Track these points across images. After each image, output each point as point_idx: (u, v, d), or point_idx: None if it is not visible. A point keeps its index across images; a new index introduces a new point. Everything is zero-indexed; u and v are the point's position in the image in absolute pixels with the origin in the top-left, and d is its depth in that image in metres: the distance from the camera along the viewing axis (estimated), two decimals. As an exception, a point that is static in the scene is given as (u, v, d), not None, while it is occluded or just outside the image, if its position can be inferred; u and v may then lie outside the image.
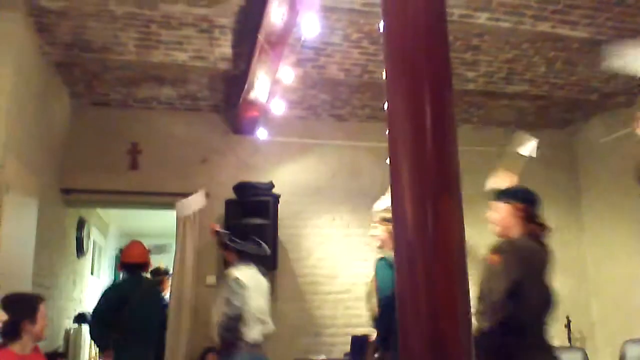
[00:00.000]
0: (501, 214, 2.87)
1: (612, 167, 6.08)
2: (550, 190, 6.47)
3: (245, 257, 4.02)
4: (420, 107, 1.95)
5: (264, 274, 4.10)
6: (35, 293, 3.29)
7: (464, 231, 1.90)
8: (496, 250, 2.75)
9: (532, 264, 2.71)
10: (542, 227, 2.87)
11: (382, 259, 3.47)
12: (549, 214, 6.50)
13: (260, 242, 4.19)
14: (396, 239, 1.95)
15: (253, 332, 3.82)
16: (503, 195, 2.94)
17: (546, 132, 6.53)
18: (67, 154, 5.29)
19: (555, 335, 5.93)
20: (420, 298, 1.79)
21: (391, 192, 1.92)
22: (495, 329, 2.51)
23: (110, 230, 8.78)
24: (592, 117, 6.23)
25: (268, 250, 4.32)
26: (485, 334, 2.50)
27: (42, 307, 2.90)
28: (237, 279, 3.83)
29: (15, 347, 2.73)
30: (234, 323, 3.70)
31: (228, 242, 4.03)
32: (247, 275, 3.92)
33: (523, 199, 2.89)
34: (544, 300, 2.71)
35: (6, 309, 2.81)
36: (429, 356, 1.73)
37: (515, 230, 2.80)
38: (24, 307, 2.84)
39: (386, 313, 3.14)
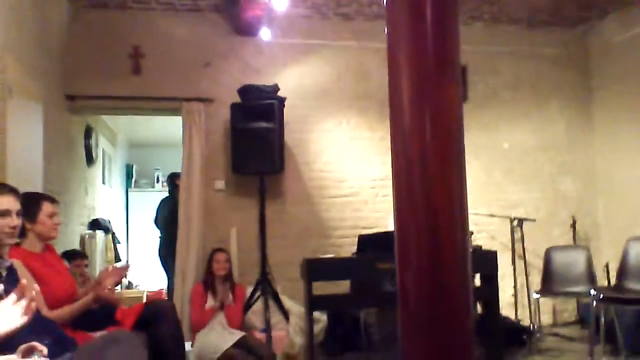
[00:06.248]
0: None
1: (626, 67, 5.90)
2: (561, 90, 6.37)
3: None
4: None
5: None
6: (41, 192, 3.24)
7: (462, 120, 1.87)
8: None
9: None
10: None
11: None
12: (559, 115, 6.47)
13: None
14: (393, 131, 1.92)
15: None
16: None
17: (559, 30, 6.32)
18: (69, 59, 5.20)
19: (561, 235, 6.11)
20: (415, 187, 1.79)
21: (389, 76, 1.87)
22: None
23: (118, 139, 8.81)
24: (607, 15, 5.98)
25: None
26: None
27: (44, 206, 2.87)
28: None
29: (25, 245, 2.81)
30: None
31: None
32: None
33: None
34: None
35: None
36: (425, 241, 1.76)
37: None
38: (23, 206, 2.86)
39: None
